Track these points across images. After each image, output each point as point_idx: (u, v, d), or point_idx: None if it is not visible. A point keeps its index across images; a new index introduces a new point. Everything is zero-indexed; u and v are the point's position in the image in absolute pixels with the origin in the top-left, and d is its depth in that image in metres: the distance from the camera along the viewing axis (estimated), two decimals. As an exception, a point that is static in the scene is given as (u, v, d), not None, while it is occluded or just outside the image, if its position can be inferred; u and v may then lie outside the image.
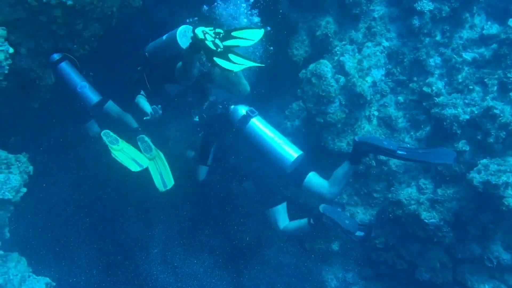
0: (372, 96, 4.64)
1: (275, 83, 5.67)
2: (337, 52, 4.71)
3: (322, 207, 3.96)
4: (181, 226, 5.89)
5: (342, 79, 4.54)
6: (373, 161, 4.80)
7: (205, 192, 5.39)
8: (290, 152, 4.13)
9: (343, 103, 4.58)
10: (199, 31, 3.40)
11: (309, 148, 4.87)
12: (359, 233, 3.94)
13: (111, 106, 4.74)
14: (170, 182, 4.23)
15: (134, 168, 4.08)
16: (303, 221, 4.16)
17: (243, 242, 5.78)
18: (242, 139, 4.20)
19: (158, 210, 5.76)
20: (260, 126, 4.23)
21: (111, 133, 4.25)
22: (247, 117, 4.26)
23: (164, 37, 4.19)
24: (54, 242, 5.54)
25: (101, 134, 4.23)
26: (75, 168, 5.68)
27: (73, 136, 5.37)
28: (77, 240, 5.63)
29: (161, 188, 4.21)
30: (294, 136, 5.05)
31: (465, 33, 4.69)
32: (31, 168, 3.41)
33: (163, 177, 4.21)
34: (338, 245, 5.11)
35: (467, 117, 4.36)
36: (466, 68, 4.60)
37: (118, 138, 4.22)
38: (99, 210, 5.88)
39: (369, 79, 4.58)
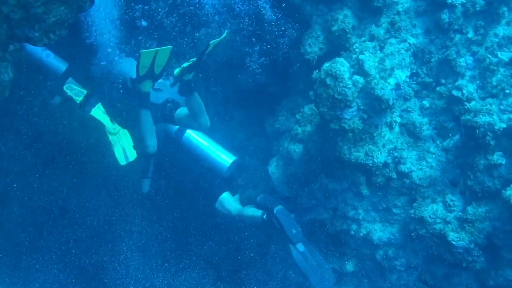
0: (394, 101, 4.12)
1: (286, 83, 5.24)
2: (356, 50, 4.20)
3: (276, 209, 4.32)
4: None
5: (361, 81, 4.04)
6: (393, 173, 4.30)
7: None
8: (225, 158, 4.48)
9: (362, 107, 4.08)
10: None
11: (322, 158, 4.40)
12: (300, 246, 4.19)
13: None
14: (133, 155, 4.18)
15: (121, 160, 4.12)
16: (258, 213, 4.43)
17: (247, 255, 5.41)
18: (180, 149, 4.47)
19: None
20: (195, 136, 4.51)
21: (74, 86, 4.14)
22: (182, 130, 4.51)
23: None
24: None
25: (64, 88, 4.10)
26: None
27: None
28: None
29: (122, 161, 4.15)
30: (305, 143, 4.54)
31: (501, 30, 4.16)
32: None
33: (125, 150, 4.18)
34: (353, 265, 4.64)
35: (504, 125, 3.86)
36: (501, 70, 4.09)
37: (83, 90, 4.17)
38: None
39: (391, 80, 4.06)
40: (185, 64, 4.04)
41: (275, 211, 4.27)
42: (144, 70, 3.98)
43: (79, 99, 4.08)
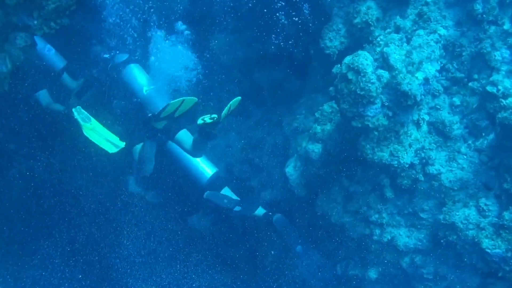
0: (422, 96, 3.82)
1: (304, 80, 5.00)
2: (380, 42, 3.92)
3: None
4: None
5: (386, 75, 3.76)
6: (420, 175, 4.01)
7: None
8: (206, 169, 4.59)
9: (386, 104, 3.81)
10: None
11: (343, 158, 4.14)
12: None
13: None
14: (120, 142, 4.20)
15: (111, 149, 4.09)
16: (260, 211, 4.67)
17: (265, 259, 5.27)
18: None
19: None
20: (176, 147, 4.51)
21: (83, 110, 4.12)
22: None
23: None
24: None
25: (73, 110, 4.07)
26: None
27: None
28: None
29: (112, 149, 4.14)
30: (324, 142, 4.28)
31: (541, 20, 3.80)
32: None
33: (109, 140, 4.16)
34: (376, 272, 4.37)
35: (544, 123, 3.49)
36: (541, 63, 3.72)
37: (90, 116, 4.17)
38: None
39: (420, 75, 3.77)
40: (207, 119, 4.01)
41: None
42: (166, 114, 4.11)
43: (85, 125, 4.09)
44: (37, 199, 5.18)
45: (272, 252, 5.11)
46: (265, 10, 4.96)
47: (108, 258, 5.21)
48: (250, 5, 5.04)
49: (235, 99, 4.01)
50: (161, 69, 4.68)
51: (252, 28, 5.22)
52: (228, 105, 3.96)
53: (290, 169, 4.80)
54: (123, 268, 5.09)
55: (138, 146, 4.41)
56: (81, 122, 4.07)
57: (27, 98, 4.52)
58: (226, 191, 4.81)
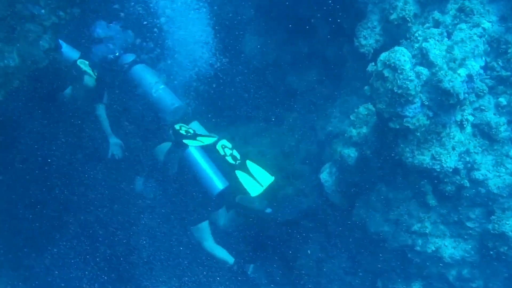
0: (466, 95, 3.54)
1: (338, 82, 4.81)
2: (419, 38, 3.69)
3: (237, 198, 4.51)
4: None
5: (425, 72, 3.52)
6: (465, 180, 3.71)
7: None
8: (217, 182, 4.33)
9: (426, 103, 3.56)
10: (219, 146, 4.20)
11: (380, 163, 3.91)
12: (268, 210, 4.62)
13: None
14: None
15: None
16: (229, 261, 4.51)
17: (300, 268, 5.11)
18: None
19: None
20: (196, 154, 4.36)
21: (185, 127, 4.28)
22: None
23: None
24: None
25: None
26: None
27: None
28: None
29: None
30: (360, 146, 4.11)
31: None
32: None
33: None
34: (420, 286, 4.19)
35: None
36: None
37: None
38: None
39: (462, 71, 3.50)
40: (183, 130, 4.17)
41: (237, 200, 4.44)
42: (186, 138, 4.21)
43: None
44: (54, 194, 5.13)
45: (308, 251, 4.94)
46: (297, 11, 4.83)
47: (126, 259, 5.14)
48: (281, 6, 4.93)
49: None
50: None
51: (284, 30, 5.12)
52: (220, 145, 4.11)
53: (325, 176, 4.63)
54: (143, 270, 5.01)
55: (160, 147, 4.38)
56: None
57: (53, 96, 4.55)
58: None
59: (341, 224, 4.64)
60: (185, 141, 4.09)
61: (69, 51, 4.59)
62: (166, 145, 4.42)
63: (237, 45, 5.52)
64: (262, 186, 4.14)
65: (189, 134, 4.14)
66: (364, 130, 4.28)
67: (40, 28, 3.32)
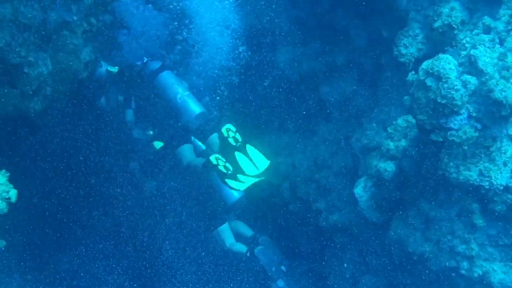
0: (519, 106, 3.25)
1: (375, 93, 4.61)
2: (466, 45, 3.43)
3: (257, 250, 4.57)
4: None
5: (473, 81, 3.27)
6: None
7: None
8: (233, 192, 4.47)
9: (474, 115, 3.30)
10: (213, 158, 4.30)
11: (420, 178, 3.67)
12: (280, 283, 4.56)
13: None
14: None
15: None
16: (243, 249, 4.61)
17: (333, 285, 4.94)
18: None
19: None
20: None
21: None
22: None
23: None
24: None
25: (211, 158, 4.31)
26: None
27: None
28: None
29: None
30: (398, 160, 3.94)
31: None
32: (13, 192, 2.56)
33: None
34: None
35: None
36: None
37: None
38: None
39: (516, 81, 3.21)
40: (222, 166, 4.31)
41: (255, 252, 4.53)
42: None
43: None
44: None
45: (345, 265, 4.78)
46: (333, 20, 4.69)
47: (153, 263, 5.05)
48: (317, 15, 4.80)
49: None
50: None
51: (319, 40, 4.97)
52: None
53: (360, 190, 4.39)
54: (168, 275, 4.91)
55: (182, 149, 4.51)
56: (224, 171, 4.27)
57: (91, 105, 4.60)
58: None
59: (377, 242, 4.37)
60: (227, 181, 4.30)
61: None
62: (188, 147, 4.60)
63: (270, 56, 5.42)
64: (258, 169, 4.38)
65: (239, 143, 4.37)
66: (403, 143, 4.05)
67: (81, 40, 3.36)
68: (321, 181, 5.19)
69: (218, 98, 5.30)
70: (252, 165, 4.38)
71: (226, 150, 4.33)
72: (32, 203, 4.85)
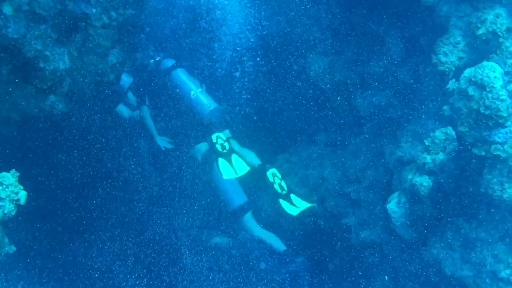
0: None
1: (411, 103, 4.47)
2: (513, 52, 3.21)
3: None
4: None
5: (521, 91, 3.01)
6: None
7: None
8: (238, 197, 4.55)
9: (521, 128, 3.03)
10: (270, 173, 4.38)
11: (459, 195, 3.43)
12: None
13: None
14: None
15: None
16: (280, 248, 4.58)
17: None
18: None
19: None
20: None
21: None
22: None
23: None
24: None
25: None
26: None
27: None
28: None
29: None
30: (435, 175, 3.73)
31: None
32: (22, 194, 2.49)
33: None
34: None
35: None
36: None
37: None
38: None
39: None
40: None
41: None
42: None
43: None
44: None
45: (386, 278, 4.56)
46: (368, 28, 4.53)
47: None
48: (351, 23, 4.65)
49: None
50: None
51: (352, 49, 4.81)
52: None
53: (393, 206, 4.19)
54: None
55: (198, 147, 4.53)
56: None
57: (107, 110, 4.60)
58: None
59: (410, 262, 4.12)
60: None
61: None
62: (203, 146, 4.59)
63: (301, 66, 5.31)
64: (237, 174, 4.35)
65: (225, 150, 4.40)
66: (441, 156, 3.82)
67: (109, 42, 3.35)
68: (352, 195, 5.00)
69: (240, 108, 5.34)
70: (231, 170, 4.35)
71: (213, 156, 4.40)
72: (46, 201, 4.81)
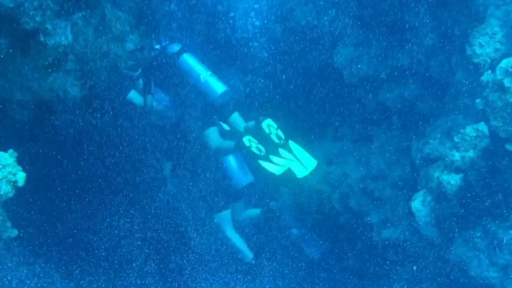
0: None
1: (442, 98, 4.32)
2: (555, 42, 3.01)
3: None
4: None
5: None
6: None
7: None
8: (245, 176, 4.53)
9: (561, 123, 2.83)
10: (246, 139, 4.27)
11: (489, 194, 3.27)
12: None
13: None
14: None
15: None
16: (248, 255, 4.59)
17: None
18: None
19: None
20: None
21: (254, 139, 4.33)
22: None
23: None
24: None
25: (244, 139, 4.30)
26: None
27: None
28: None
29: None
30: (464, 173, 3.57)
31: None
32: (21, 175, 2.37)
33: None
34: None
35: None
36: None
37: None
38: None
39: None
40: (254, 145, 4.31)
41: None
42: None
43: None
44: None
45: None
46: (399, 18, 4.35)
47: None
48: (382, 12, 4.48)
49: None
50: None
51: (382, 40, 4.64)
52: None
53: (418, 204, 4.06)
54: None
55: (208, 132, 4.51)
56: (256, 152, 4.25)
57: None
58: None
59: (435, 262, 3.96)
60: (261, 163, 4.25)
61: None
62: (213, 130, 4.57)
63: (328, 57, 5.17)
64: (307, 170, 4.26)
65: (262, 153, 4.30)
66: (471, 154, 3.65)
67: (127, 27, 3.29)
68: (375, 192, 4.86)
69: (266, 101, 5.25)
70: (300, 165, 4.25)
71: (269, 147, 4.26)
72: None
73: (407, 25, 4.39)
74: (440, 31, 4.12)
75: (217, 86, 4.52)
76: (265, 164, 4.19)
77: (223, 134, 4.66)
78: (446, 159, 3.88)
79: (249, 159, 4.43)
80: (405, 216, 4.44)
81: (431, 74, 4.35)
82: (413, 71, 4.49)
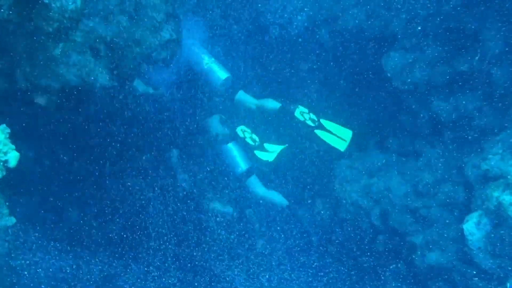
0: None
1: (506, 110, 3.97)
2: None
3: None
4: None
5: None
6: None
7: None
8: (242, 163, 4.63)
9: None
10: (239, 130, 4.55)
11: None
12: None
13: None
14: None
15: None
16: (283, 203, 4.73)
17: None
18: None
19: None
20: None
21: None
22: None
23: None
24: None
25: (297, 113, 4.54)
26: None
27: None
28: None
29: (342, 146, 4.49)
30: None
31: None
32: (13, 155, 2.08)
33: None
34: None
35: None
36: None
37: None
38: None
39: None
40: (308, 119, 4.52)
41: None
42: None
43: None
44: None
45: None
46: (462, 20, 4.00)
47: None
48: (441, 14, 4.14)
49: None
50: None
51: (439, 45, 4.29)
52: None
53: (471, 226, 3.72)
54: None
55: (210, 120, 4.61)
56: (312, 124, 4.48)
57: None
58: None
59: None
60: (256, 153, 4.50)
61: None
62: (215, 118, 4.66)
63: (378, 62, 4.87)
64: (346, 141, 4.51)
65: (257, 143, 4.52)
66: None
67: (162, 15, 3.16)
68: (421, 211, 4.50)
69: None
70: (338, 139, 4.50)
71: (306, 132, 4.51)
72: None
73: (470, 29, 4.02)
74: (507, 36, 3.72)
75: (220, 73, 4.60)
76: (259, 154, 4.45)
77: (223, 122, 4.71)
78: (509, 177, 3.52)
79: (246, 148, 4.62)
80: (455, 240, 4.05)
81: (494, 83, 3.94)
82: (473, 79, 4.10)
